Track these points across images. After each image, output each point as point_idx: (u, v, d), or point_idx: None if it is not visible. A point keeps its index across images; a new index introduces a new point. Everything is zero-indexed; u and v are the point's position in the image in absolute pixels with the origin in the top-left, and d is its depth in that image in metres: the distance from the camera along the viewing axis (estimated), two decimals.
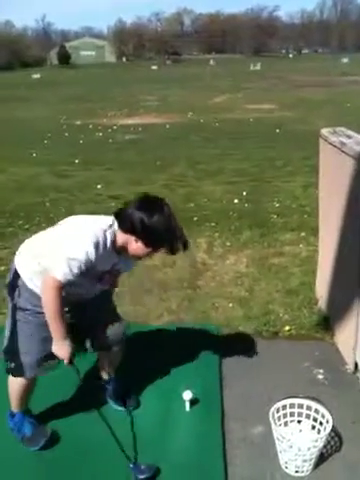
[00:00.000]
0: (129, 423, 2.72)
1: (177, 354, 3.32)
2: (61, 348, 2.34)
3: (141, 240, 2.31)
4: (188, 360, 3.25)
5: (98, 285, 2.47)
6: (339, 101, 17.69)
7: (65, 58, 73.60)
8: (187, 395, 2.77)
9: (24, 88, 28.93)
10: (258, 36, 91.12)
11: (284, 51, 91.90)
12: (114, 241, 2.33)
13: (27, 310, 2.41)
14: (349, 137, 3.07)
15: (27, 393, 2.61)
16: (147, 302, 4.07)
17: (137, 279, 4.43)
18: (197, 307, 3.96)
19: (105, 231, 2.29)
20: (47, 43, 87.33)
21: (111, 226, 2.33)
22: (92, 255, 2.22)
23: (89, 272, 2.28)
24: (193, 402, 2.80)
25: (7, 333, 2.49)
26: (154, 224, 2.26)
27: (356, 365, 3.11)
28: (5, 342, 2.51)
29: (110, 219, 2.36)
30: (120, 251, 2.37)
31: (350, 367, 3.15)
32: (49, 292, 2.24)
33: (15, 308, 2.44)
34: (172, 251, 2.35)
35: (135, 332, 3.49)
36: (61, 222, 2.48)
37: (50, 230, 2.46)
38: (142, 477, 2.37)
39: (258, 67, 42.68)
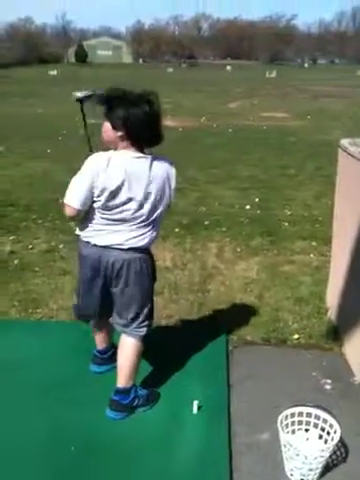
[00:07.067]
0: (135, 426, 2.73)
1: (185, 357, 3.33)
2: None
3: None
4: (196, 364, 3.26)
5: None
6: (354, 112, 17.63)
7: (82, 56, 74.10)
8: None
9: (41, 84, 29.04)
10: (274, 44, 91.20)
11: (299, 60, 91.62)
12: None
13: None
14: None
15: None
16: (157, 303, 4.07)
17: None
18: (206, 311, 3.97)
19: None
20: (66, 41, 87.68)
21: None
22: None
23: None
24: (200, 406, 2.81)
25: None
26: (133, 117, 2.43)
27: None
28: (145, 310, 2.69)
29: None
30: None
31: (358, 379, 3.15)
32: None
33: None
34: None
35: None
36: None
37: None
38: None
39: (274, 75, 42.70)
